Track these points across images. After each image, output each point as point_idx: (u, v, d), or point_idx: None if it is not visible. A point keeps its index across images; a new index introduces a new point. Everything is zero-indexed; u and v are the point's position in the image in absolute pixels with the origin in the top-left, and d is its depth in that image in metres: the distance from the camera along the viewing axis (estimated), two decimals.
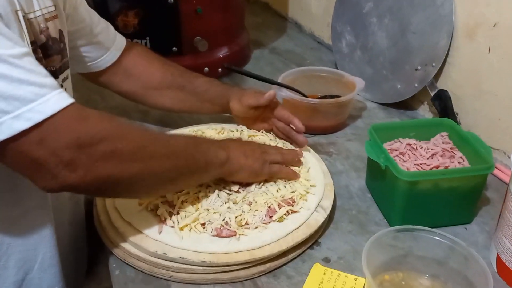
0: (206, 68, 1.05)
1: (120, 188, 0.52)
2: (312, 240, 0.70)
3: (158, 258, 0.63)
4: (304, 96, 0.96)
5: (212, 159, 0.63)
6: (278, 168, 0.71)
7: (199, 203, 0.69)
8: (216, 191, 0.71)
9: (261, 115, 0.80)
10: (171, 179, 0.57)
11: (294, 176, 0.72)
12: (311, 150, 0.84)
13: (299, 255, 0.69)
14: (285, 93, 0.92)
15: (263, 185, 0.73)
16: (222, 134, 0.81)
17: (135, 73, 0.77)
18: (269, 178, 0.71)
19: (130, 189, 0.53)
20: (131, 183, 0.52)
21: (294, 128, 0.79)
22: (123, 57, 0.76)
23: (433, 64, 0.93)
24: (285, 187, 0.73)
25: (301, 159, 0.79)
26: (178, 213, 0.67)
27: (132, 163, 0.51)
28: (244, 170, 0.67)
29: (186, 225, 0.65)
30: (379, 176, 0.76)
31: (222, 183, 0.72)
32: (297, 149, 0.76)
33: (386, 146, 0.79)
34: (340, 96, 0.95)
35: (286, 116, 0.78)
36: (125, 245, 0.65)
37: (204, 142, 0.65)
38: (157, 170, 0.54)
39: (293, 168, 0.74)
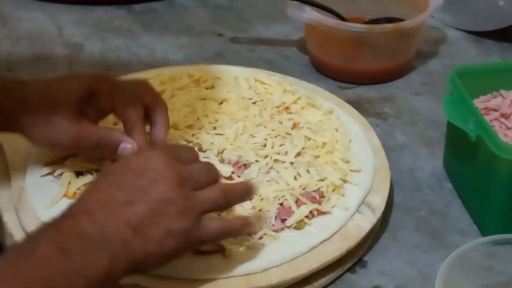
0: None
1: None
2: (353, 259, 0.71)
3: None
4: (342, 19, 0.97)
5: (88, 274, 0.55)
6: (219, 226, 0.62)
7: None
8: None
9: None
10: None
11: (246, 230, 0.65)
12: (354, 110, 0.86)
13: (331, 283, 0.69)
14: (309, 13, 0.93)
15: (271, 167, 0.74)
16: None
17: None
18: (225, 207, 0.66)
19: None
20: None
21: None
22: None
23: None
24: (308, 171, 0.74)
25: (335, 123, 0.80)
26: None
27: None
28: (154, 255, 0.59)
29: None
30: (465, 154, 0.76)
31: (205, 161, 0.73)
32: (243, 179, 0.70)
33: (479, 103, 0.79)
34: (402, 20, 0.95)
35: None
36: None
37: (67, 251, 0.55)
38: None
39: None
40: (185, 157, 0.63)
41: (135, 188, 0.58)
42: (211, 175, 0.63)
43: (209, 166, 0.65)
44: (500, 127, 0.77)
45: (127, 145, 0.70)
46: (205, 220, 0.61)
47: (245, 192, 0.65)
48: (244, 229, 0.65)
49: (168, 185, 0.59)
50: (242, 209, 0.69)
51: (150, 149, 0.63)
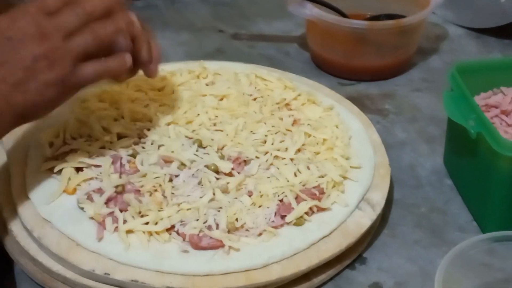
0: None
1: None
2: (353, 256, 0.71)
3: (96, 282, 0.65)
4: (344, 15, 0.97)
5: None
6: (95, 68, 0.64)
7: (163, 192, 0.70)
8: (194, 172, 0.72)
9: None
10: None
11: (123, 68, 0.66)
12: (354, 107, 0.86)
13: (330, 279, 0.70)
14: (310, 10, 0.93)
15: (271, 164, 0.74)
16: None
17: None
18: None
19: None
20: None
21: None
22: None
23: None
24: (308, 168, 0.74)
25: (335, 120, 0.80)
26: (124, 210, 0.68)
27: None
28: (36, 105, 0.62)
29: (147, 233, 0.67)
30: (466, 151, 0.76)
31: (204, 158, 0.74)
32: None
33: (479, 100, 0.79)
34: (403, 16, 0.96)
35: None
36: (44, 259, 0.67)
37: None
38: None
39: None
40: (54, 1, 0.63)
41: (4, 50, 0.61)
42: (82, 16, 0.64)
43: (78, 5, 0.64)
44: (501, 124, 0.77)
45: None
46: (80, 65, 0.63)
47: (116, 26, 0.65)
48: (121, 68, 0.66)
49: (35, 42, 0.61)
50: (242, 204, 0.69)
51: (15, 10, 0.63)
